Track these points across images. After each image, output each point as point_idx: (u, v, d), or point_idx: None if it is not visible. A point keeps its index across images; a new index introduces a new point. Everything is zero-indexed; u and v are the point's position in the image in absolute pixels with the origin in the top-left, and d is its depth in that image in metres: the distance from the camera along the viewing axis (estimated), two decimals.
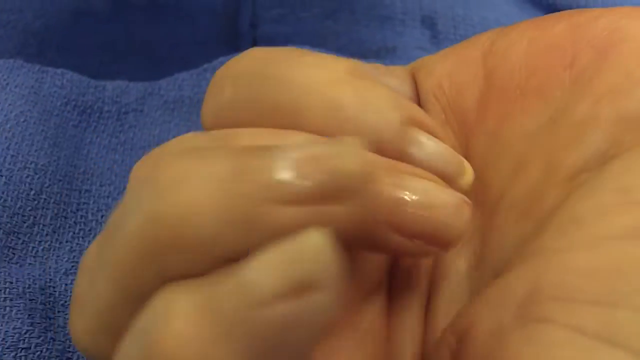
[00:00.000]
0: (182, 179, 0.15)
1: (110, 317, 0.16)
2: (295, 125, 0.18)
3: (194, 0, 0.34)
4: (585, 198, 0.17)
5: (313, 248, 0.14)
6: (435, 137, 0.19)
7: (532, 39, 0.20)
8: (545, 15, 0.21)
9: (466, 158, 0.20)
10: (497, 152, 0.20)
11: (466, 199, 0.18)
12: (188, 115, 0.31)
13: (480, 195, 0.20)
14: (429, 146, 0.19)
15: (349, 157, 0.15)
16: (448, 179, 0.19)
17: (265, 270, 0.14)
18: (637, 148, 0.17)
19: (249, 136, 0.18)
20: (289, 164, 0.15)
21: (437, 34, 0.33)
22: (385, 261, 0.21)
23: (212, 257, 0.15)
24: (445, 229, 0.18)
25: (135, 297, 0.16)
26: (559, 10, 0.32)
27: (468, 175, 0.20)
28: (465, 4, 0.33)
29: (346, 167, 0.15)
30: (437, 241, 0.18)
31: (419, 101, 0.22)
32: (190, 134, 0.18)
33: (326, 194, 0.15)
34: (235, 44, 0.34)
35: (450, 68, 0.21)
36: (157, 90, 0.31)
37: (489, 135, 0.20)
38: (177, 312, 0.15)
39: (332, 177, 0.15)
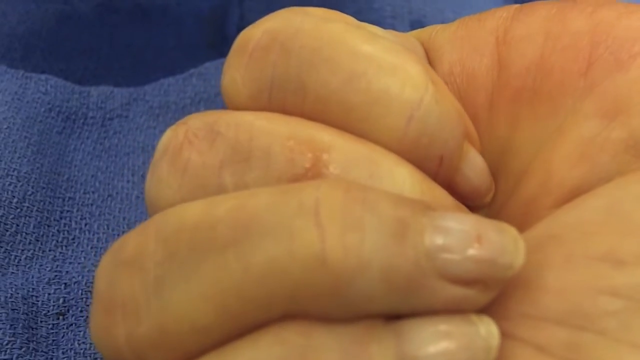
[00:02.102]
0: (351, 226, 0.14)
1: (185, 337, 0.15)
2: (365, 133, 0.17)
3: (180, 4, 0.33)
4: (570, 213, 0.17)
5: (488, 340, 0.14)
6: (477, 148, 0.19)
7: (549, 34, 0.19)
8: (567, 3, 0.19)
9: None
10: (507, 157, 0.19)
11: None
12: (173, 121, 0.30)
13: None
14: (475, 163, 0.19)
15: (513, 252, 0.15)
16: (479, 195, 0.19)
17: (437, 349, 0.14)
18: (637, 171, 0.17)
19: (340, 163, 0.16)
20: (460, 243, 0.14)
21: None
22: None
23: (359, 310, 0.14)
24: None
25: (240, 324, 0.15)
26: None
27: (492, 191, 0.19)
28: (455, 7, 0.33)
29: (509, 262, 0.15)
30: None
31: None
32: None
33: (484, 282, 0.15)
34: (221, 48, 0.34)
35: (461, 53, 0.20)
36: (142, 95, 0.31)
37: (500, 139, 0.19)
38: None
39: (495, 270, 0.15)
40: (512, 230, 0.15)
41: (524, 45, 0.19)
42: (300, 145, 0.16)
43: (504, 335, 0.15)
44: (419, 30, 0.21)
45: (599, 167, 0.17)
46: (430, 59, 0.20)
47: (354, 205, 0.14)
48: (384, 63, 0.17)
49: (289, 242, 0.14)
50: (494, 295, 0.15)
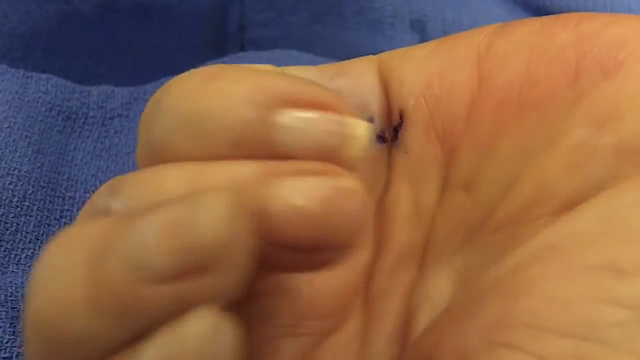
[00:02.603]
0: (53, 271, 0.14)
1: None
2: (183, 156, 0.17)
3: (181, 3, 0.33)
4: (568, 224, 0.17)
5: (195, 341, 0.14)
6: (323, 106, 0.17)
7: (534, 48, 0.19)
8: (549, 18, 0.20)
9: (450, 168, 0.20)
10: (488, 167, 0.19)
11: (348, 183, 0.16)
12: None
13: (467, 210, 0.20)
14: (296, 125, 0.17)
15: (211, 225, 0.14)
16: (331, 155, 0.17)
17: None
18: (632, 178, 0.17)
19: (124, 199, 0.16)
20: (145, 240, 0.14)
21: (427, 38, 0.33)
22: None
23: (101, 349, 0.14)
24: (332, 233, 0.16)
25: None
26: (550, 14, 0.32)
27: (358, 141, 0.17)
28: (455, 7, 0.33)
29: (202, 239, 0.14)
30: (330, 246, 0.16)
31: (387, 97, 0.21)
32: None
33: (192, 268, 0.14)
34: (222, 47, 0.34)
35: (441, 66, 0.20)
36: (142, 95, 0.31)
37: (479, 148, 0.19)
38: None
39: (193, 252, 0.14)
40: (212, 199, 0.14)
41: (508, 59, 0.19)
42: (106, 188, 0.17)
43: (507, 346, 0.15)
44: (398, 49, 0.22)
45: (591, 174, 0.17)
46: (403, 72, 0.20)
47: (60, 247, 0.15)
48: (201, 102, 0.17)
49: (27, 310, 0.15)
50: (234, 275, 0.14)
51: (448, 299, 0.20)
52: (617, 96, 0.18)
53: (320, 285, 0.20)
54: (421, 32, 0.33)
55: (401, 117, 0.20)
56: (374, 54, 0.32)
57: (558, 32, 0.19)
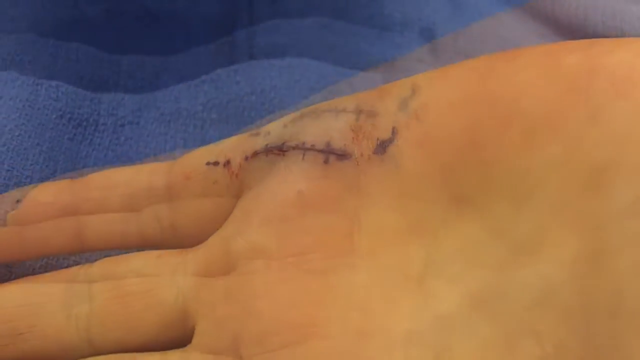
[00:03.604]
0: None
1: None
2: None
3: (189, 9, 0.33)
4: None
5: None
6: None
7: (542, 67, 0.19)
8: (555, 44, 0.20)
9: (452, 185, 0.20)
10: (495, 181, 0.20)
11: None
12: (184, 127, 0.30)
13: (476, 227, 0.20)
14: None
15: None
16: None
17: None
18: None
19: None
20: None
21: (436, 46, 0.33)
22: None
23: None
24: None
25: None
26: (559, 22, 0.32)
27: None
28: (464, 15, 0.33)
29: None
30: None
31: (367, 118, 0.21)
32: None
33: None
34: (231, 54, 0.33)
35: (440, 88, 0.21)
36: (153, 102, 0.31)
37: (485, 163, 0.20)
38: None
39: None
40: None
41: (514, 78, 0.20)
42: None
43: None
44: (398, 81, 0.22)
45: (617, 196, 0.17)
46: (401, 96, 0.21)
47: None
48: None
49: None
50: None
51: (463, 318, 0.20)
52: (635, 117, 0.18)
53: (281, 305, 0.21)
54: (431, 40, 0.33)
55: (393, 133, 0.21)
56: (382, 61, 0.32)
57: (567, 54, 0.19)
